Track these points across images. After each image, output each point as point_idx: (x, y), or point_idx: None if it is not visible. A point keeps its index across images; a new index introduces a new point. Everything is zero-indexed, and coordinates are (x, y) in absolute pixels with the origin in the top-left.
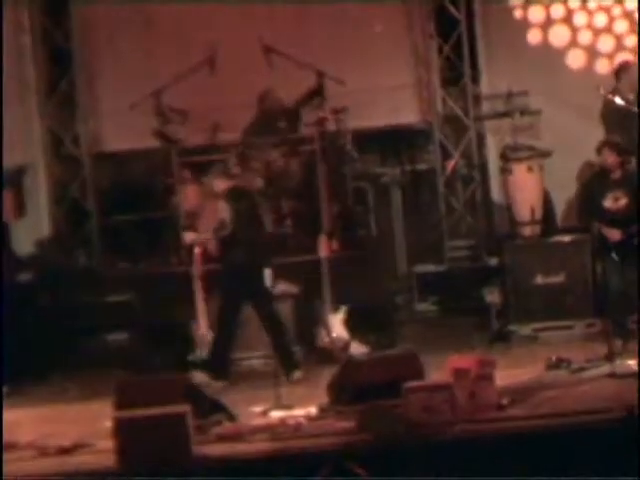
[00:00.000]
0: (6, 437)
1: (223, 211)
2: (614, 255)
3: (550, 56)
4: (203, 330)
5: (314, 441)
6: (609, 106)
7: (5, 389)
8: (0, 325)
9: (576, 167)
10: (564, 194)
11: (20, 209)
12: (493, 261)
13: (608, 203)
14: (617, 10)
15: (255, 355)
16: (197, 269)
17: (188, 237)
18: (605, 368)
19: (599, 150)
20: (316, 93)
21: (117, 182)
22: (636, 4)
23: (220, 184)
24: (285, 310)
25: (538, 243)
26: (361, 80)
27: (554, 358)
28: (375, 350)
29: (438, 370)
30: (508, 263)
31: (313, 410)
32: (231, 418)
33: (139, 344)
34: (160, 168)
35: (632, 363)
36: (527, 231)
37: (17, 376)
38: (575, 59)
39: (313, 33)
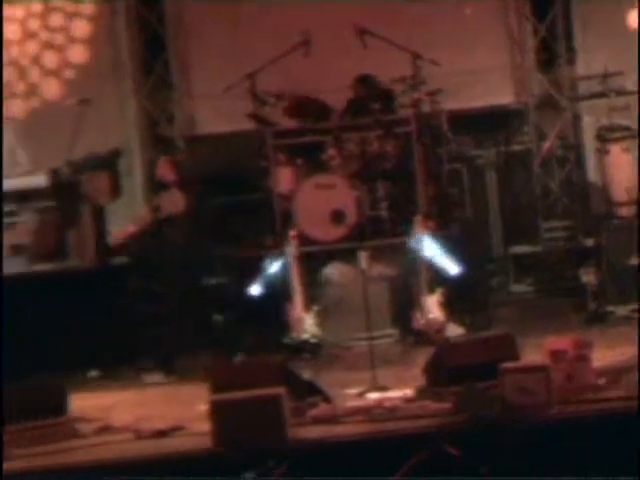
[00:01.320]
0: (101, 420)
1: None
2: None
3: None
4: (298, 312)
5: (410, 423)
6: None
7: (94, 373)
8: (1, 321)
9: None
10: None
11: (115, 191)
12: (589, 242)
13: None
14: None
15: (350, 337)
16: (293, 251)
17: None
18: None
19: None
20: (411, 76)
21: (212, 165)
22: None
23: (167, 174)
24: (381, 292)
25: (634, 223)
26: (456, 62)
27: None
28: (471, 332)
29: (534, 352)
30: (604, 243)
31: (409, 392)
32: (327, 400)
33: (235, 326)
34: (255, 151)
35: None
36: (623, 211)
37: (110, 360)
38: None
39: (408, 15)
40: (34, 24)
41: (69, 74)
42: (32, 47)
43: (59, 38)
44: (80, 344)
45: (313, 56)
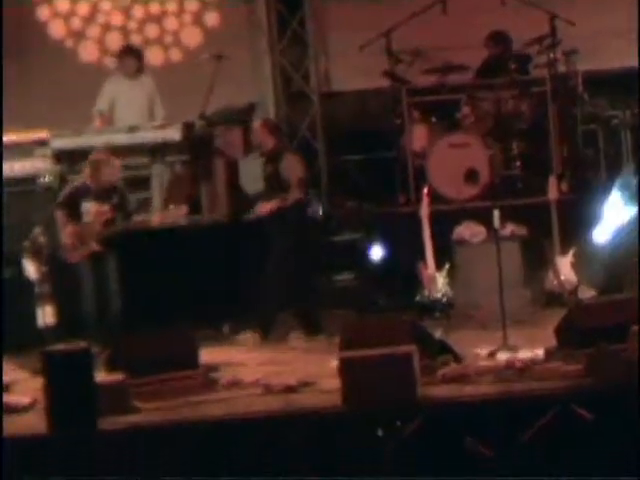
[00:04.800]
0: (230, 375)
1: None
2: None
3: None
4: (430, 271)
5: (540, 384)
6: None
7: (227, 328)
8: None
9: None
10: None
11: (249, 146)
12: None
13: None
14: None
15: (482, 297)
16: (425, 209)
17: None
18: None
19: None
20: (547, 36)
21: (346, 121)
22: None
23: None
24: (513, 251)
25: None
26: (592, 22)
27: None
28: (603, 294)
29: None
30: None
31: (540, 353)
32: (457, 359)
33: (366, 284)
34: (389, 108)
35: None
36: None
37: (244, 313)
38: None
39: None
40: None
41: (207, 29)
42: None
43: None
44: (212, 298)
45: (450, 14)
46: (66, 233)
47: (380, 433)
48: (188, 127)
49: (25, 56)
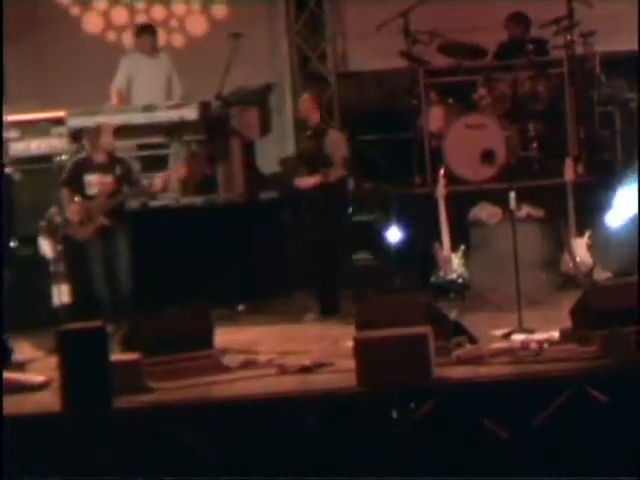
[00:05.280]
0: (245, 355)
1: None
2: None
3: None
4: (446, 252)
5: (555, 365)
6: None
7: (242, 307)
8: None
9: None
10: None
11: (265, 127)
12: None
13: None
14: None
15: (497, 278)
16: (441, 190)
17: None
18: None
19: None
20: (565, 18)
21: (362, 102)
22: None
23: (311, 113)
24: (529, 233)
25: None
26: (610, 4)
27: None
28: (618, 276)
29: None
30: None
31: (555, 334)
32: (473, 341)
33: (382, 265)
34: (406, 89)
35: None
36: None
37: (259, 293)
38: None
39: None
40: None
41: (221, 9)
42: None
43: None
44: (228, 277)
45: None
46: (71, 210)
47: (394, 414)
48: (205, 107)
49: (41, 33)
